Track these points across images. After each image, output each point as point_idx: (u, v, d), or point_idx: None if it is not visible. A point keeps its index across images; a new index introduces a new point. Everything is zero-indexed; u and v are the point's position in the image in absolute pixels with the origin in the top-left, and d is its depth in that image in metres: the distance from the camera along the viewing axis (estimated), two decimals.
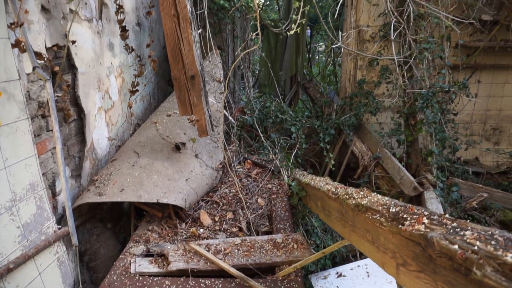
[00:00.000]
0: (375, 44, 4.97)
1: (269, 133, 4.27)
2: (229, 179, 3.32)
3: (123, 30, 2.66)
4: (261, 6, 4.38)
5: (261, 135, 3.85)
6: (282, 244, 2.40)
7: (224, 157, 3.19)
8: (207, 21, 3.50)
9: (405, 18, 4.12)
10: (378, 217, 1.33)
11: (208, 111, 2.69)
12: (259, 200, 3.11)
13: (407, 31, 4.16)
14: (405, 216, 1.20)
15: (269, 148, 3.87)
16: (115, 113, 3.24)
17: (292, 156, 3.78)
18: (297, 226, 3.16)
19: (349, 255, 3.53)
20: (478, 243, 0.85)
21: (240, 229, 2.78)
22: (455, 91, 4.03)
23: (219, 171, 3.28)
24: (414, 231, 1.08)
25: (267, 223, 2.88)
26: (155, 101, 4.43)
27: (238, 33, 4.72)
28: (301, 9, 1.99)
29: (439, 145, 3.91)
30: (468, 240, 0.88)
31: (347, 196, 1.71)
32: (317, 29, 7.99)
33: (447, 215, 1.13)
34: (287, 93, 5.90)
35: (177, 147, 3.04)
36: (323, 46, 9.29)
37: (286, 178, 3.35)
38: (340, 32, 4.62)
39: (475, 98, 4.94)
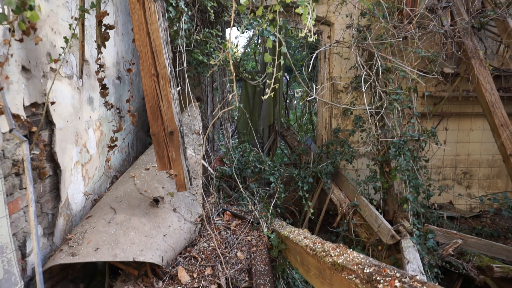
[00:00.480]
0: (348, 94, 5.24)
1: (248, 183, 4.29)
2: (208, 232, 3.27)
3: (103, 88, 2.73)
4: (238, 61, 4.59)
5: (240, 186, 3.86)
6: None
7: (203, 210, 3.17)
8: (186, 75, 3.63)
9: (374, 71, 4.40)
10: (354, 278, 1.35)
11: (187, 166, 2.72)
12: (239, 253, 3.07)
13: (376, 83, 4.42)
14: (378, 278, 1.23)
15: (248, 199, 3.87)
16: (92, 167, 3.20)
17: (271, 206, 3.79)
18: (278, 279, 3.10)
19: None
20: None
21: (219, 286, 2.70)
22: (424, 139, 4.23)
23: (198, 225, 3.24)
24: None
25: (247, 278, 2.82)
26: (133, 152, 4.41)
27: (217, 86, 4.89)
28: (274, 75, 2.13)
29: (413, 192, 4.02)
30: None
31: (324, 254, 1.73)
32: (293, 77, 8.34)
33: (417, 277, 1.16)
34: (266, 141, 6.03)
35: (156, 201, 3.01)
36: (300, 93, 9.67)
37: (265, 229, 3.34)
38: (314, 85, 4.86)
39: (444, 146, 5.19)
